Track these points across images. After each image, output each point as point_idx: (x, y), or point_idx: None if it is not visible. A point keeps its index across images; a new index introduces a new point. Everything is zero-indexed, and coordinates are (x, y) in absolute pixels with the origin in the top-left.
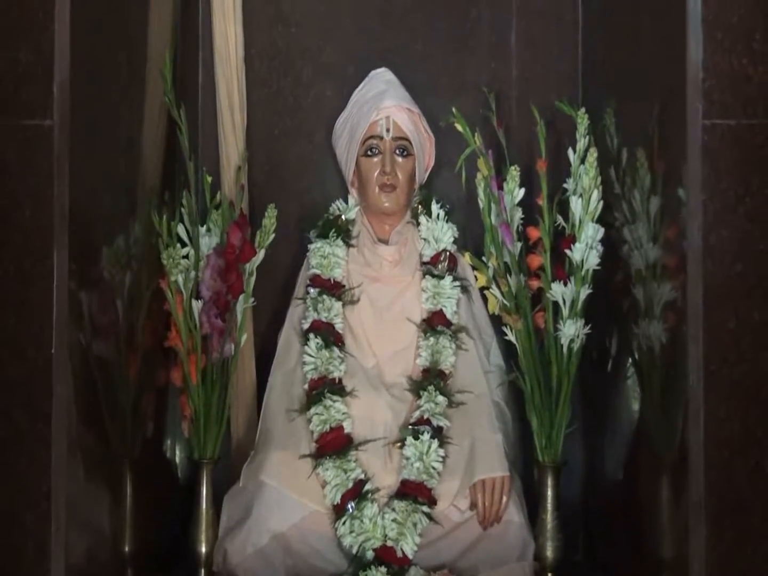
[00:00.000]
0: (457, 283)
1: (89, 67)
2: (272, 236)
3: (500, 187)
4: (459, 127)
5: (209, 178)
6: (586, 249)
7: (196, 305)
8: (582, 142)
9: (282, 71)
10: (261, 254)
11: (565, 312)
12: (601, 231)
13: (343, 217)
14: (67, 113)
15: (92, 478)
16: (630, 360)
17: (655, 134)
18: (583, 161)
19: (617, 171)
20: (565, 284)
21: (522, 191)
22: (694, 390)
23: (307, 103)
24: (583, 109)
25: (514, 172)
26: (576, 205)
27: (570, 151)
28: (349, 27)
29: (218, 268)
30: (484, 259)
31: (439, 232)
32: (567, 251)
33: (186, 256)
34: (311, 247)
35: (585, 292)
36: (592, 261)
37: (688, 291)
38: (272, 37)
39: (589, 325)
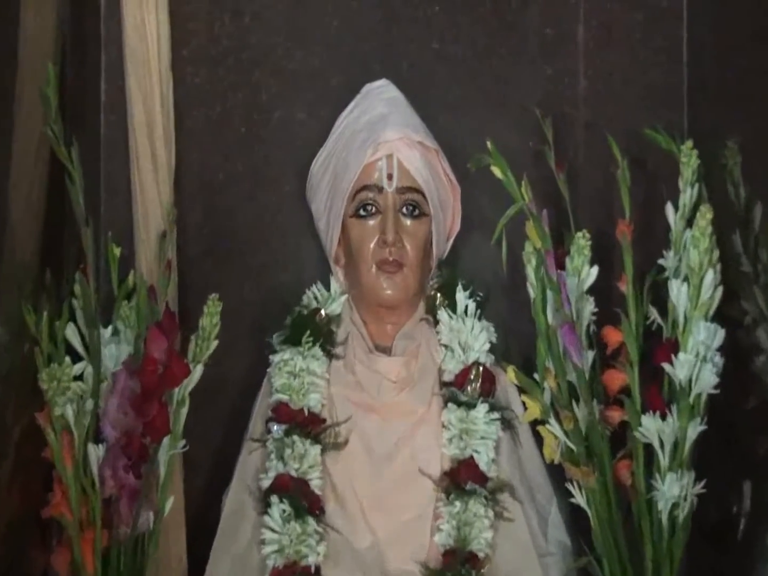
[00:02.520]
0: (496, 415)
1: None
2: (215, 344)
3: (561, 266)
4: (497, 172)
5: (117, 251)
6: (697, 362)
7: (95, 452)
8: (688, 194)
9: (230, 84)
10: (197, 372)
11: (665, 461)
12: (721, 333)
13: (322, 312)
14: None
15: None
16: None
17: None
18: (690, 224)
19: (745, 240)
20: (664, 417)
21: (595, 271)
22: None
23: (268, 132)
24: (689, 143)
25: (582, 242)
26: (679, 292)
27: (669, 208)
28: (332, 18)
29: (130, 395)
30: (536, 377)
31: (467, 335)
32: (666, 365)
33: (79, 376)
34: (274, 359)
35: (696, 428)
36: (707, 381)
37: None
38: (215, 33)
39: (704, 481)
